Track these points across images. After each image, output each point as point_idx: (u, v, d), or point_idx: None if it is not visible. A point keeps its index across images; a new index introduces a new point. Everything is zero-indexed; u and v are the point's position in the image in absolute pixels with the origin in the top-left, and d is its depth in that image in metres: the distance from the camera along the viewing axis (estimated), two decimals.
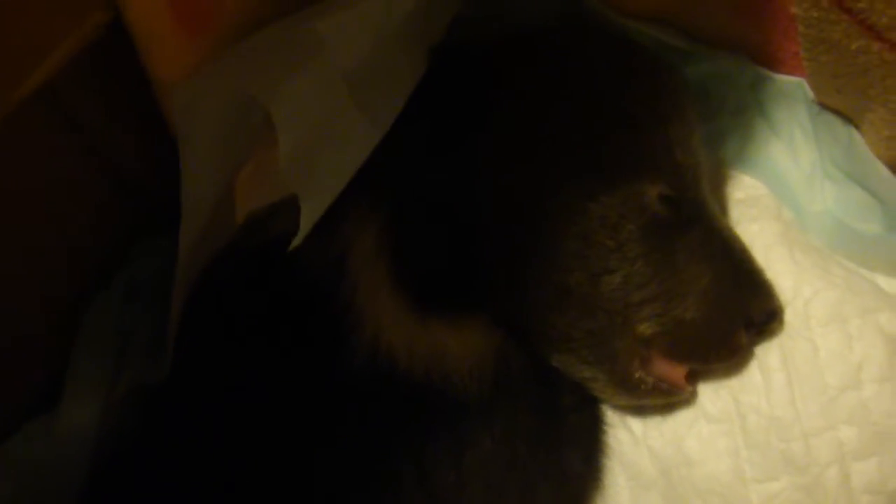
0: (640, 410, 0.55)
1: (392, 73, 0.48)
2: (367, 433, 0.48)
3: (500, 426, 0.50)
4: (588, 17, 0.57)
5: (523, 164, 0.51)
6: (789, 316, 0.54)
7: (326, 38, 0.45)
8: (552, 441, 0.53)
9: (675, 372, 0.52)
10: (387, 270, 0.50)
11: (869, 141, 0.54)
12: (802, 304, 0.54)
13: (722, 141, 0.59)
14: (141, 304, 0.54)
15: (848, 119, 0.54)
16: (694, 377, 0.54)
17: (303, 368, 0.49)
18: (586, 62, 0.53)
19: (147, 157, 0.52)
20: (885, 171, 0.53)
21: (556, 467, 0.53)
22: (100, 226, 0.53)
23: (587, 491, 0.55)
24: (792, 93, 0.55)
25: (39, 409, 0.53)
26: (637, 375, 0.52)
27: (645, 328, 0.51)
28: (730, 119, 0.59)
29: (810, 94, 0.55)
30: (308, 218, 0.44)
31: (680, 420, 0.54)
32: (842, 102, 0.54)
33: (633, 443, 0.55)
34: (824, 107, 0.55)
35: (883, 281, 0.55)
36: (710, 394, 0.54)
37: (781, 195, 0.58)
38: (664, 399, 0.53)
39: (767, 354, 0.54)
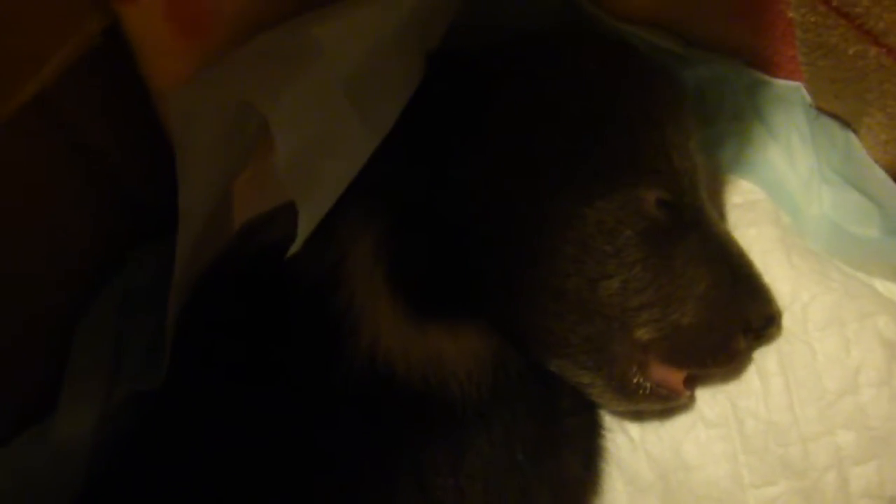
0: (638, 415, 0.55)
1: (389, 79, 0.48)
2: (366, 439, 0.48)
3: (498, 431, 0.50)
4: (584, 22, 0.57)
5: (520, 170, 0.51)
6: (787, 320, 0.54)
7: (323, 45, 0.45)
8: (551, 446, 0.53)
9: (673, 377, 0.52)
10: (384, 276, 0.50)
11: (867, 145, 0.54)
12: (800, 309, 0.54)
13: (719, 145, 0.59)
14: (137, 311, 0.54)
15: (846, 123, 0.54)
16: (692, 382, 0.54)
17: (300, 375, 0.49)
18: (583, 67, 0.53)
19: (144, 164, 0.52)
20: (882, 175, 0.53)
21: (554, 472, 0.53)
22: (96, 233, 0.53)
23: (586, 495, 0.55)
24: (789, 97, 0.55)
25: (35, 418, 0.52)
26: (635, 381, 0.52)
27: (643, 333, 0.51)
28: (727, 124, 0.59)
29: (808, 98, 0.55)
30: (306, 224, 0.44)
31: (678, 425, 0.54)
32: (839, 107, 0.54)
33: (631, 448, 0.55)
34: (822, 111, 0.55)
35: (881, 285, 0.56)
36: (709, 399, 0.54)
37: (779, 200, 0.58)
38: (662, 404, 0.53)
39: (765, 359, 0.54)
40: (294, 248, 0.44)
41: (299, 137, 0.45)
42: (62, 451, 0.51)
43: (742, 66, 0.56)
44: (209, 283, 0.52)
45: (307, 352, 0.49)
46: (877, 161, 0.53)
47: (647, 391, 0.52)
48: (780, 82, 0.55)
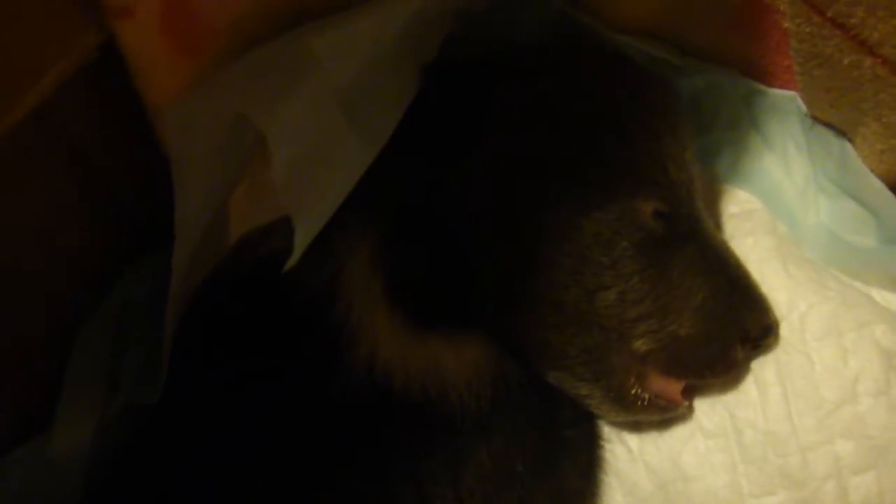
0: (636, 426, 0.55)
1: (385, 91, 0.48)
2: (365, 450, 0.48)
3: (498, 442, 0.50)
4: (581, 33, 0.57)
5: (516, 182, 0.51)
6: (785, 330, 0.54)
7: (319, 58, 0.45)
8: (550, 456, 0.53)
9: (671, 387, 0.52)
10: (382, 287, 0.50)
11: (862, 154, 0.54)
12: (798, 319, 0.54)
13: (715, 155, 0.59)
14: (134, 324, 0.54)
15: (841, 133, 0.54)
16: (690, 392, 0.54)
17: (298, 387, 0.49)
18: (579, 79, 0.53)
19: (141, 177, 0.52)
20: (878, 184, 0.53)
21: (554, 483, 0.53)
22: (93, 247, 0.53)
23: None
24: (785, 107, 0.55)
25: (32, 432, 0.52)
26: (633, 392, 0.52)
27: (641, 344, 0.51)
28: (723, 133, 0.59)
29: (803, 107, 0.55)
30: (302, 238, 0.44)
31: (676, 435, 0.54)
32: (835, 116, 0.54)
33: (629, 458, 0.55)
34: (817, 121, 0.55)
35: (878, 294, 0.55)
36: (707, 409, 0.54)
37: (775, 209, 0.58)
38: (661, 415, 0.53)
39: (763, 369, 0.54)
40: (291, 262, 0.44)
41: (295, 150, 0.45)
42: (60, 463, 0.51)
43: (738, 75, 0.56)
44: (206, 295, 0.52)
45: (305, 364, 0.49)
46: (872, 170, 0.53)
47: (646, 402, 0.52)
48: (776, 92, 0.55)
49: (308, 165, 0.45)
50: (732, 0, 0.52)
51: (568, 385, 0.52)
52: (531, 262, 0.50)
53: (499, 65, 0.53)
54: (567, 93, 0.52)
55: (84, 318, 0.53)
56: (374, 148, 0.46)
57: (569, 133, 0.51)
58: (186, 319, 0.51)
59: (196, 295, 0.51)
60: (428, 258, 0.51)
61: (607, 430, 0.56)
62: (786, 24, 0.50)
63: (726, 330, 0.52)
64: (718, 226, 0.57)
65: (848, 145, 0.54)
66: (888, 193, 0.53)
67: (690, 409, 0.54)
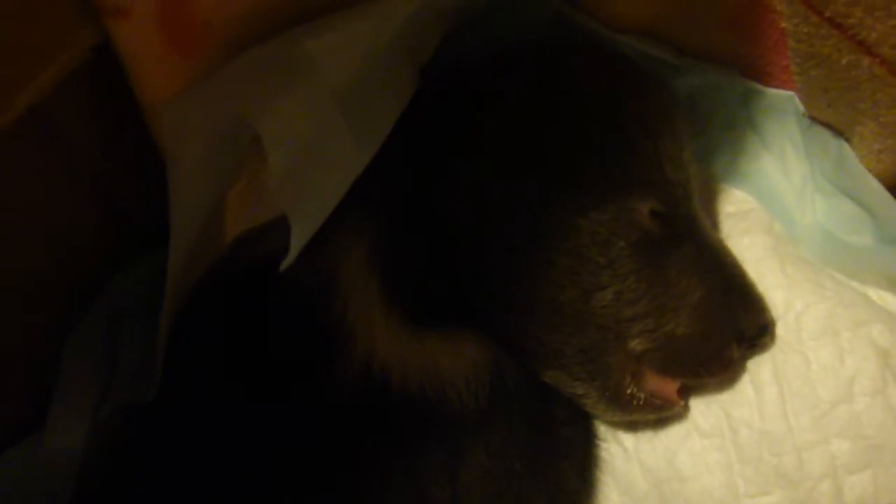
0: (632, 425, 0.55)
1: (382, 92, 0.48)
2: (362, 449, 0.48)
3: (495, 440, 0.50)
4: (577, 33, 0.57)
5: (513, 182, 0.51)
6: (781, 330, 0.54)
7: (316, 58, 0.45)
8: (547, 455, 0.53)
9: (667, 387, 0.52)
10: (378, 287, 0.50)
11: (860, 154, 0.54)
12: (794, 318, 0.54)
13: (712, 155, 0.59)
14: (129, 324, 0.54)
15: (838, 132, 0.54)
16: (686, 392, 0.54)
17: (294, 386, 0.49)
18: (575, 78, 0.53)
19: (136, 179, 0.52)
20: (875, 184, 0.53)
21: (551, 482, 0.53)
22: (88, 247, 0.53)
23: None
24: (782, 106, 0.55)
25: (24, 432, 0.52)
26: (629, 391, 0.52)
27: (637, 344, 0.51)
28: (720, 133, 0.59)
29: (801, 107, 0.55)
30: (298, 238, 0.44)
31: (672, 435, 0.54)
32: (832, 116, 0.54)
33: (624, 457, 0.55)
34: (815, 120, 0.55)
35: (874, 293, 0.55)
36: (703, 408, 0.54)
37: (772, 209, 0.58)
38: (656, 414, 0.53)
39: (759, 368, 0.54)
40: (287, 262, 0.44)
41: (291, 151, 0.45)
42: (52, 463, 0.51)
43: (735, 75, 0.56)
44: (201, 295, 0.52)
45: (302, 363, 0.49)
46: (870, 170, 0.53)
47: (641, 401, 0.52)
48: (773, 91, 0.55)
49: (304, 166, 0.45)
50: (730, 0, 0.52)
51: (564, 384, 0.52)
52: (528, 261, 0.50)
53: (495, 65, 0.54)
54: (563, 92, 0.52)
55: (79, 318, 0.53)
56: (370, 148, 0.46)
57: (566, 133, 0.51)
58: (181, 318, 0.50)
59: (191, 294, 0.51)
60: (425, 257, 0.51)
61: (603, 430, 0.56)
62: (783, 24, 0.50)
63: (722, 329, 0.52)
64: (715, 225, 0.57)
65: (845, 145, 0.54)
66: (885, 193, 0.53)
67: (686, 409, 0.54)
